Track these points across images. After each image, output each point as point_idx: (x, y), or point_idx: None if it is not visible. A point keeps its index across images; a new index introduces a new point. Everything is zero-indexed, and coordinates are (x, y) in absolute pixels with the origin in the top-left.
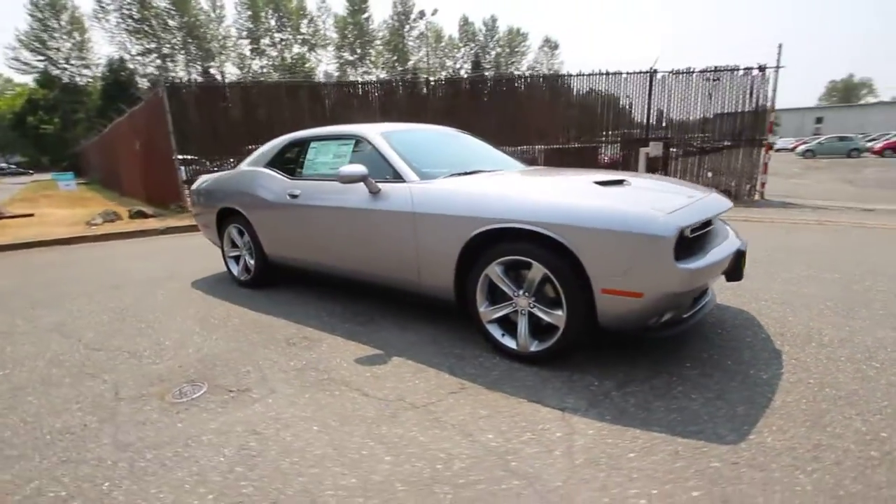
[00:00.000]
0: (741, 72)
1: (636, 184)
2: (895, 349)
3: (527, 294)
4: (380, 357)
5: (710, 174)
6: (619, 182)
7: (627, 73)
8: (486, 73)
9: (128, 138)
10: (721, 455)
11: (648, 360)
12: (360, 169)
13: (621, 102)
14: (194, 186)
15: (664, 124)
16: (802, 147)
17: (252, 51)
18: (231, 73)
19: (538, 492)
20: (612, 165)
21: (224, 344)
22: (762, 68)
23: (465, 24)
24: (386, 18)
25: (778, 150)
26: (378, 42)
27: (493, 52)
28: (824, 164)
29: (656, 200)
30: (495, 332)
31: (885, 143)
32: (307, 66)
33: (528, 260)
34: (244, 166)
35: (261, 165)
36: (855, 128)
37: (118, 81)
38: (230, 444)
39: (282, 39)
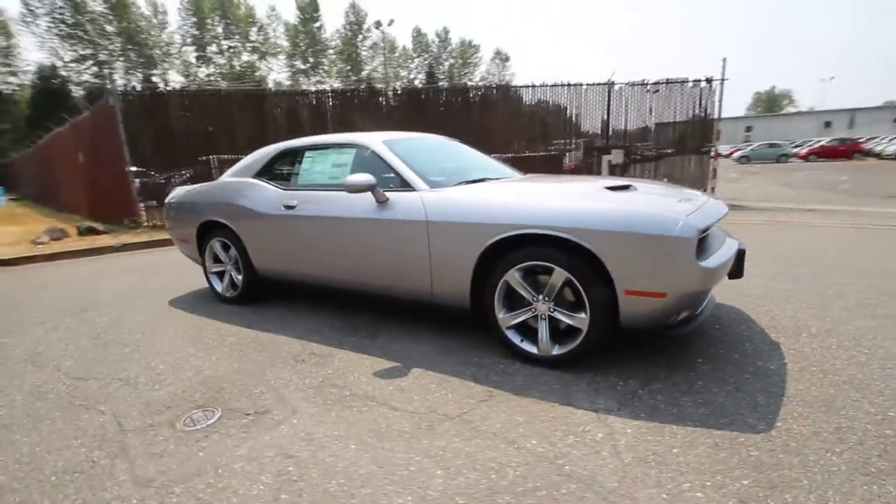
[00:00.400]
0: (690, 84)
1: (643, 189)
2: (875, 336)
3: (546, 299)
4: (398, 369)
5: (665, 179)
6: (627, 187)
7: (587, 85)
8: (442, 83)
9: (69, 150)
10: (757, 444)
11: (663, 358)
12: (367, 178)
13: (573, 112)
14: (169, 199)
15: (624, 132)
16: (738, 153)
17: (198, 58)
18: (175, 80)
19: (599, 493)
20: (574, 171)
21: (226, 364)
22: (709, 80)
23: (418, 35)
24: (339, 28)
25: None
26: (331, 51)
27: (447, 64)
28: (758, 168)
29: (670, 204)
30: (514, 338)
31: (809, 148)
32: (257, 74)
33: (550, 265)
34: (228, 177)
35: (248, 176)
36: (781, 135)
37: (49, 90)
38: (266, 471)
39: (230, 47)
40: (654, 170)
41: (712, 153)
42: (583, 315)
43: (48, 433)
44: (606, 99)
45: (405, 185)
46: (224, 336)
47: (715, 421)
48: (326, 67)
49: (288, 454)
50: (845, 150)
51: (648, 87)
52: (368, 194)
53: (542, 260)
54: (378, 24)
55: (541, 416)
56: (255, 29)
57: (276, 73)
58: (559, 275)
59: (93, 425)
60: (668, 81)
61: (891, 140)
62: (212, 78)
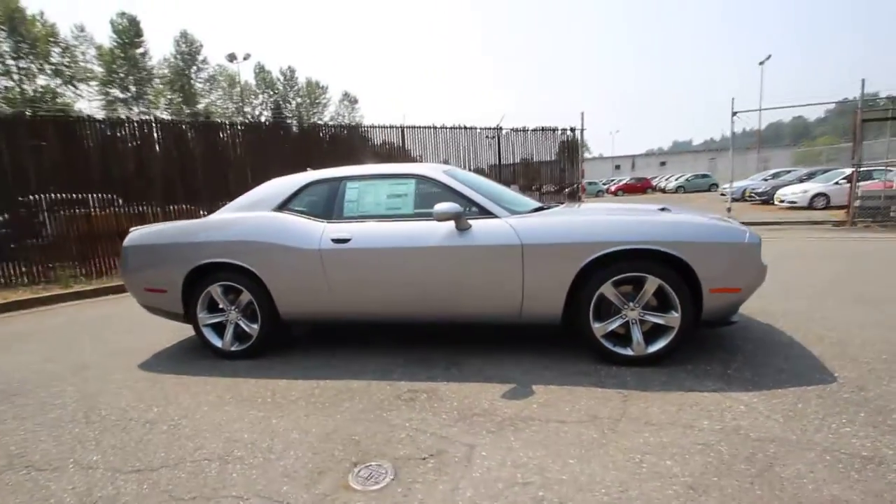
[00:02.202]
0: (559, 131)
1: (677, 209)
2: (830, 313)
3: (636, 305)
4: (519, 390)
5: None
6: (667, 209)
7: (480, 129)
8: (292, 121)
9: None
10: (840, 389)
11: (716, 348)
12: (454, 207)
13: (466, 151)
14: (131, 243)
15: (512, 168)
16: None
17: None
18: None
19: (793, 444)
20: None
21: (328, 418)
22: (573, 129)
23: (261, 71)
24: (167, 56)
25: None
26: (158, 81)
27: (294, 102)
28: (589, 200)
29: (721, 221)
30: (607, 343)
31: (617, 185)
32: (59, 100)
33: (643, 275)
34: (232, 213)
35: (266, 209)
36: (588, 176)
37: None
38: (523, 500)
39: (20, 68)
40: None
41: (578, 188)
42: (674, 314)
43: None
44: (497, 140)
45: (483, 213)
46: (282, 391)
47: (799, 380)
48: (152, 97)
49: (522, 482)
50: (641, 186)
51: (529, 131)
52: (442, 223)
53: (637, 271)
54: (233, 57)
55: (682, 403)
56: (58, 50)
57: (87, 101)
58: (652, 282)
59: None
60: (543, 129)
61: (669, 178)
62: None
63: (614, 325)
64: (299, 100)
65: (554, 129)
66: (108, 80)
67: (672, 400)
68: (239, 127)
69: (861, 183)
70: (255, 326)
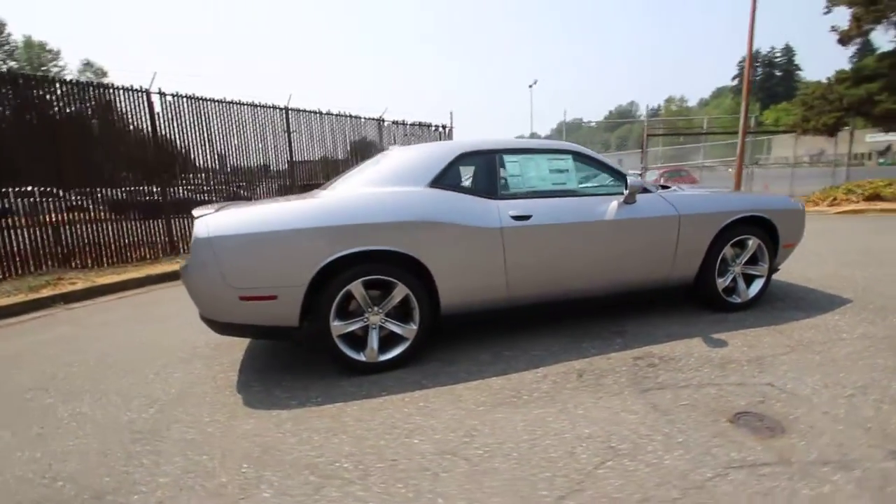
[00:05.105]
0: (434, 127)
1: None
2: None
3: (742, 262)
4: (710, 339)
5: None
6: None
7: (365, 118)
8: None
9: None
10: (837, 321)
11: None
12: (639, 181)
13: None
14: (225, 230)
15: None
16: None
17: None
18: None
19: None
20: None
21: (615, 400)
22: (444, 126)
23: None
24: None
25: None
26: None
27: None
28: None
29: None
30: (724, 295)
31: None
32: None
33: (749, 237)
34: (372, 188)
35: (421, 185)
36: None
37: None
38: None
39: None
40: None
41: None
42: (763, 265)
43: None
44: (378, 132)
45: (622, 187)
46: (515, 388)
47: (810, 316)
48: None
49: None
50: None
51: (407, 125)
52: (610, 197)
53: (747, 234)
54: None
55: (761, 335)
56: None
57: None
58: (754, 242)
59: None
60: (419, 124)
61: None
62: None
63: (729, 280)
64: (14, 64)
65: (429, 125)
66: None
67: (764, 327)
68: None
69: None
70: (412, 327)
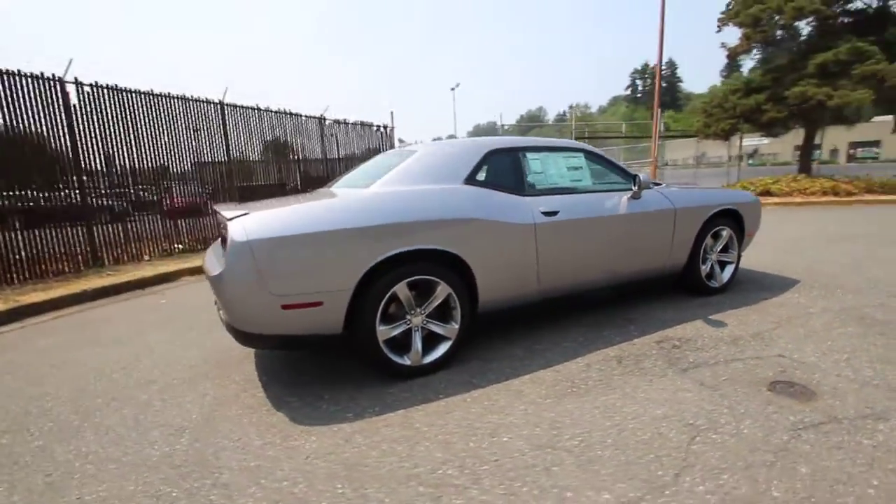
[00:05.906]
0: (375, 127)
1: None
2: None
3: (717, 250)
4: (715, 321)
5: None
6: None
7: (306, 116)
8: None
9: None
10: (807, 299)
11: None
12: (648, 177)
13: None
14: (267, 233)
15: (339, 158)
16: None
17: None
18: None
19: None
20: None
21: (672, 382)
22: (385, 126)
23: None
24: None
25: None
26: None
27: None
28: None
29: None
30: (705, 280)
31: None
32: None
33: (724, 227)
34: (406, 186)
35: (456, 182)
36: None
37: None
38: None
39: None
40: None
41: None
42: (733, 252)
43: None
44: (320, 130)
45: (627, 183)
46: (567, 378)
47: (776, 296)
48: None
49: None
50: None
51: (350, 124)
52: (621, 193)
53: (723, 225)
54: None
55: (748, 314)
56: None
57: None
58: (728, 232)
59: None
60: (361, 123)
61: None
62: None
63: (707, 268)
64: None
65: (371, 125)
66: None
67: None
68: None
69: None
70: (453, 326)
